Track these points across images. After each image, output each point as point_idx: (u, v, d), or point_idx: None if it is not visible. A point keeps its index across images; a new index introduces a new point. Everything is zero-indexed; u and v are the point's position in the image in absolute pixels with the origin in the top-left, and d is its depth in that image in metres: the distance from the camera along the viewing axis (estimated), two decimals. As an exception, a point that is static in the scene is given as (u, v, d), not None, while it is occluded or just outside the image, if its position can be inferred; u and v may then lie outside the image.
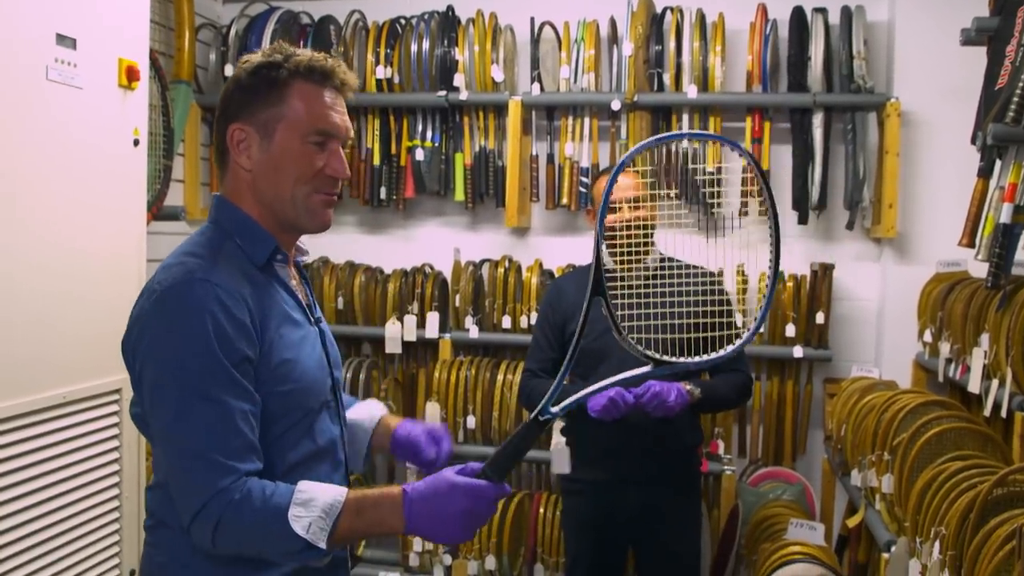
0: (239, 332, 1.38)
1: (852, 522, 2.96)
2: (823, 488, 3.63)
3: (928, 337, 3.11)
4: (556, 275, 3.70)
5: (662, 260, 2.59)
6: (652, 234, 2.69)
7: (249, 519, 1.34)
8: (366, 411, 1.78)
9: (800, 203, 3.63)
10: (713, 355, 1.59)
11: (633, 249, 2.55)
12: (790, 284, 3.57)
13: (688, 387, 2.55)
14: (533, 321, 3.65)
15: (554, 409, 1.47)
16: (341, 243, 4.11)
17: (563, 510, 3.00)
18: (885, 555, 2.49)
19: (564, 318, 2.77)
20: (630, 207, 2.62)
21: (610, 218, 2.64)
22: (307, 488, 1.38)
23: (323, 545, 1.35)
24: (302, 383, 1.48)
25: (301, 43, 3.83)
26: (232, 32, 3.86)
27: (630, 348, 1.55)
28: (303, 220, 1.51)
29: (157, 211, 3.31)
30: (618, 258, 2.59)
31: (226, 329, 1.37)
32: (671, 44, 3.64)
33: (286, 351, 1.46)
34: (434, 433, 1.67)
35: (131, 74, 2.65)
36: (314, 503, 1.36)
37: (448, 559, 3.50)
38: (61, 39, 2.40)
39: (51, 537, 2.40)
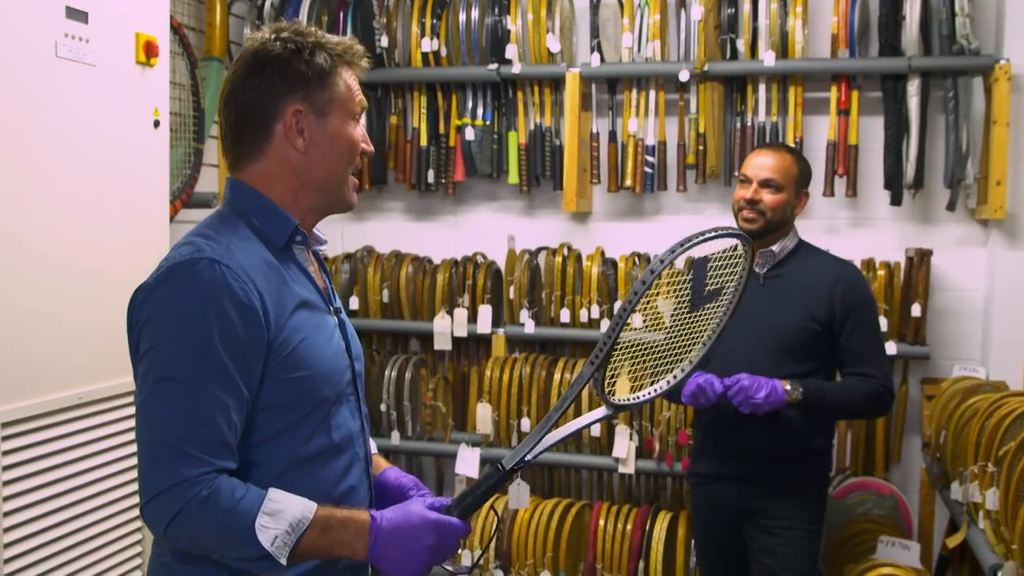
0: (245, 318, 1.40)
1: (952, 542, 2.80)
2: (921, 502, 3.45)
3: (1043, 332, 2.92)
4: (619, 263, 3.59)
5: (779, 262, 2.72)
6: (777, 223, 2.71)
7: (212, 519, 1.36)
8: None
9: (893, 182, 3.45)
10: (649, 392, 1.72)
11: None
12: (882, 273, 3.39)
13: (787, 386, 2.54)
14: (594, 314, 3.59)
15: (529, 458, 1.55)
16: (386, 231, 4.07)
17: (690, 501, 3.13)
18: (990, 582, 2.34)
19: None
20: (758, 187, 2.68)
21: (736, 193, 2.75)
22: (277, 497, 1.40)
23: (283, 561, 1.38)
24: (316, 370, 1.50)
25: (341, 15, 3.79)
26: (267, 5, 3.82)
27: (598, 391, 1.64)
28: (341, 200, 1.59)
29: (187, 198, 3.30)
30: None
31: (230, 315, 1.39)
32: (745, 6, 3.50)
33: (300, 336, 1.48)
34: (419, 485, 1.69)
35: (149, 50, 2.63)
36: (283, 515, 1.39)
37: (500, 575, 3.43)
38: (72, 12, 2.38)
39: (72, 545, 2.43)
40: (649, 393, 1.72)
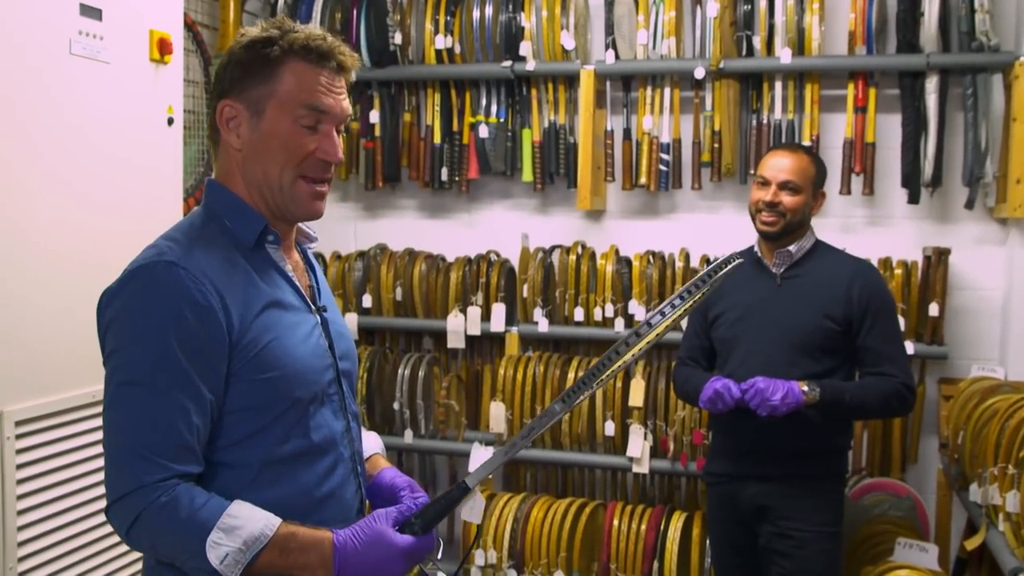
0: (202, 319, 1.39)
1: (971, 544, 2.76)
2: (938, 503, 3.41)
3: (1062, 332, 2.88)
4: (633, 262, 3.57)
5: (800, 259, 2.72)
6: (796, 224, 2.71)
7: (168, 526, 1.36)
8: (363, 442, 1.76)
9: (911, 180, 3.41)
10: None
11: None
12: (899, 272, 3.35)
13: (804, 387, 2.53)
14: (608, 313, 3.56)
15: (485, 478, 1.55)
16: (400, 229, 4.05)
17: (706, 501, 3.11)
18: (1009, 585, 2.31)
19: (706, 304, 2.84)
20: (777, 188, 2.68)
21: (754, 195, 2.74)
22: (237, 512, 1.37)
23: None
24: (289, 370, 1.47)
25: (354, 12, 3.77)
26: (281, 2, 3.81)
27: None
28: (291, 208, 1.52)
29: (201, 195, 3.29)
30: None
31: (187, 317, 1.38)
32: (762, 3, 3.46)
33: (270, 336, 1.46)
34: (414, 487, 1.66)
35: (163, 47, 2.61)
36: (238, 532, 1.36)
37: (513, 574, 3.41)
38: (86, 10, 2.37)
39: (85, 544, 2.42)
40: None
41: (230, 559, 1.34)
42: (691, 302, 1.43)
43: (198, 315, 1.38)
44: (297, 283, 1.56)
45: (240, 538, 1.35)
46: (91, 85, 2.40)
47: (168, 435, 1.36)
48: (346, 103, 1.53)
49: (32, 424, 2.25)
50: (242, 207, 1.51)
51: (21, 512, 2.21)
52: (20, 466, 2.21)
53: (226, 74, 1.50)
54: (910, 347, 3.31)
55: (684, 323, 3.07)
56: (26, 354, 2.25)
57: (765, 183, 2.71)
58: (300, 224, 1.63)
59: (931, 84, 3.36)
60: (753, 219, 2.74)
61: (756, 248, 2.81)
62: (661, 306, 1.42)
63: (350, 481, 1.59)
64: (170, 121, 2.69)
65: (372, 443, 1.77)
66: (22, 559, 2.22)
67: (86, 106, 2.39)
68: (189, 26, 3.25)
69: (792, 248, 2.71)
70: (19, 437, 2.21)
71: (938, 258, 3.35)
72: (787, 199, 2.67)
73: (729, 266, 1.45)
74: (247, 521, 1.36)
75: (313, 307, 1.58)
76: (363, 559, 1.40)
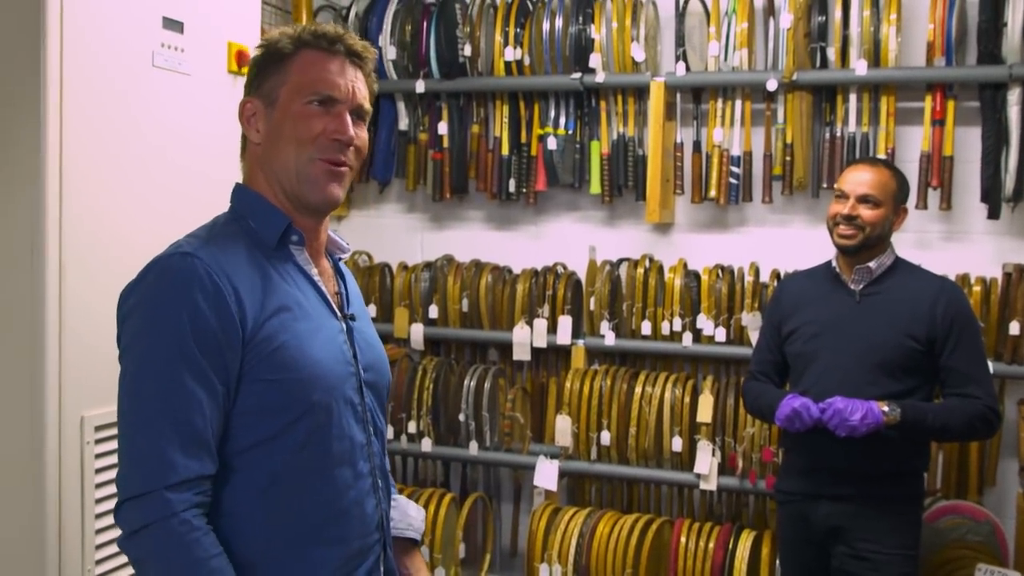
0: (216, 308, 1.38)
1: (1055, 571, 2.67)
2: (1018, 528, 3.30)
3: None
4: (702, 276, 3.53)
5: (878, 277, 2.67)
6: (875, 239, 2.67)
7: (173, 561, 1.33)
8: (396, 515, 1.73)
9: (991, 194, 3.32)
10: None
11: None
12: (977, 289, 3.27)
13: (885, 408, 2.48)
14: (676, 327, 3.54)
15: None
16: (467, 240, 4.06)
17: (776, 520, 3.07)
18: (1099, 615, 2.23)
19: (780, 318, 2.83)
20: (855, 202, 2.64)
21: (832, 207, 2.71)
22: None
23: None
24: (305, 372, 1.45)
25: (424, 24, 3.79)
26: (352, 14, 3.87)
27: None
28: (305, 192, 1.51)
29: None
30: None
31: (201, 306, 1.38)
32: (836, 14, 3.40)
33: (284, 337, 1.44)
34: None
35: (241, 59, 2.66)
36: None
37: (578, 590, 3.39)
38: (168, 23, 2.43)
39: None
40: None
41: None
42: None
43: (211, 303, 1.38)
44: (322, 287, 1.56)
45: None
46: (171, 97, 2.45)
47: (182, 427, 1.35)
48: (360, 88, 1.55)
49: (111, 429, 2.27)
50: (266, 206, 1.53)
51: (100, 515, 2.25)
52: (99, 470, 2.26)
53: (248, 78, 1.56)
54: (989, 366, 3.22)
55: (755, 336, 3.04)
56: (105, 361, 2.26)
57: (843, 196, 2.67)
58: (331, 234, 1.64)
59: (1014, 96, 3.26)
60: (831, 233, 2.70)
61: (834, 263, 2.76)
62: None
63: (370, 496, 1.56)
64: (247, 132, 2.73)
65: (414, 520, 1.75)
66: (99, 561, 2.26)
67: (166, 118, 2.44)
68: (264, 39, 3.30)
69: (872, 264, 2.66)
70: (99, 442, 2.26)
71: (1019, 275, 3.25)
72: (866, 213, 2.63)
73: None
74: None
75: (340, 314, 1.57)
76: None
